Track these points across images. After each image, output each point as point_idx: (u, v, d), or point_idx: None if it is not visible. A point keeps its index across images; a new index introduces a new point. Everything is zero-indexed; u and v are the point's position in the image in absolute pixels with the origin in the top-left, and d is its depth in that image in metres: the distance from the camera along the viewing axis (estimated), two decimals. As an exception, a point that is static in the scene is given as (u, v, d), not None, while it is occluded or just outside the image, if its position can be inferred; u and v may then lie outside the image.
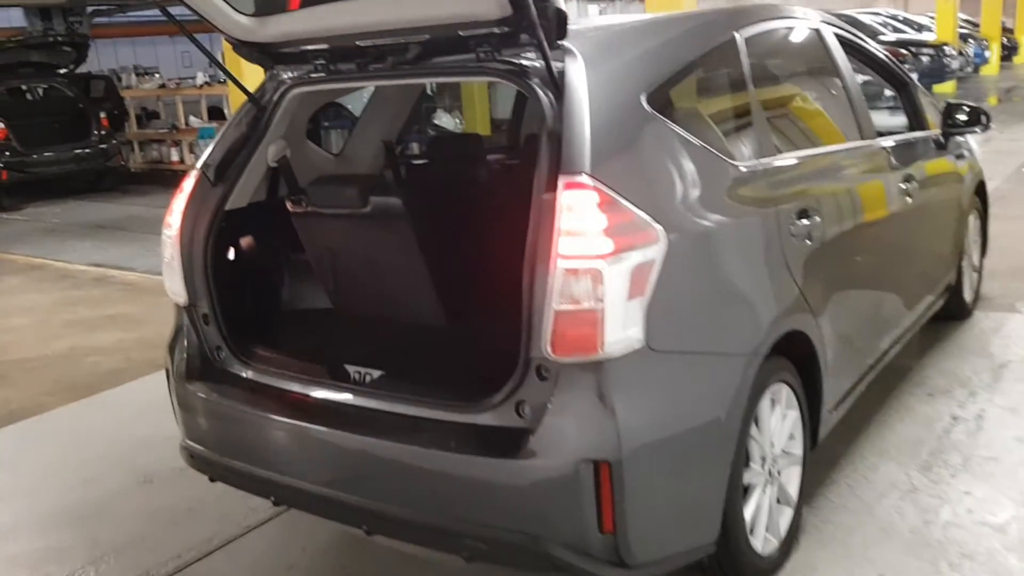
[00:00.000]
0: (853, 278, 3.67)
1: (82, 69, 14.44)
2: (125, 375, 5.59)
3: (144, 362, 5.78)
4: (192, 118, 14.93)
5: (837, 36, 4.06)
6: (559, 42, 2.60)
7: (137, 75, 17.56)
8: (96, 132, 13.33)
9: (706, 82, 3.10)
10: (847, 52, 4.07)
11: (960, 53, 21.04)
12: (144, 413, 4.83)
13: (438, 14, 2.71)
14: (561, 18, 2.53)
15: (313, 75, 3.20)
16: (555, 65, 2.59)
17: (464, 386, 2.73)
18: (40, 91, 14.26)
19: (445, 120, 13.41)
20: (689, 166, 2.75)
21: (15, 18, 18.20)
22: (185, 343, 3.28)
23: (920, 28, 22.86)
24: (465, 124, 13.72)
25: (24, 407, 5.15)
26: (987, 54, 25.16)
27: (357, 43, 2.99)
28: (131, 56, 23.57)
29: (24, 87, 14.16)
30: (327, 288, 3.55)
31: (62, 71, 13.85)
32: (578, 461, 2.40)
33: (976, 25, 26.26)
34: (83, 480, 4.17)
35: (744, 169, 3.00)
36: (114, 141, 13.66)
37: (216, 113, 15.23)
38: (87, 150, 13.22)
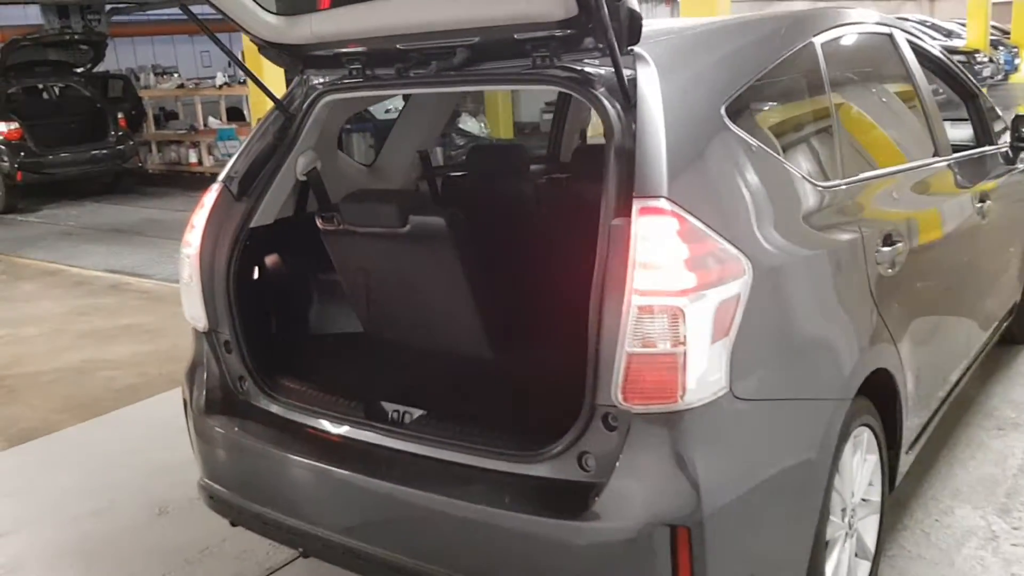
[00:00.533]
0: (929, 306, 3.37)
1: (100, 68, 14.25)
2: (140, 392, 5.33)
3: (160, 377, 5.52)
4: (211, 119, 14.75)
5: (909, 43, 3.74)
6: (629, 47, 2.31)
7: (156, 75, 17.37)
8: (114, 133, 13.12)
9: (785, 93, 2.80)
10: (918, 60, 3.76)
11: (991, 60, 20.61)
12: (160, 434, 4.56)
13: (492, 14, 2.42)
14: (635, 21, 2.24)
15: (347, 81, 2.92)
16: (625, 73, 2.29)
17: (517, 431, 2.44)
18: (57, 90, 14.09)
19: (471, 124, 13.13)
20: (772, 187, 2.46)
21: (32, 15, 18.04)
22: (205, 372, 3.01)
23: (949, 34, 22.44)
24: (490, 129, 13.45)
25: (34, 426, 4.89)
26: (1017, 61, 24.66)
27: (397, 46, 2.70)
28: (150, 55, 23.37)
29: (40, 86, 13.97)
30: (360, 313, 3.26)
31: (79, 70, 13.64)
32: (652, 524, 2.11)
33: (1006, 32, 25.76)
34: (94, 511, 3.90)
35: (828, 190, 2.70)
36: (132, 142, 13.46)
37: (235, 114, 15.06)
38: (104, 151, 13.01)
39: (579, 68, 2.44)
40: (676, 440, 2.11)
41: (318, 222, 3.12)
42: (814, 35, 2.94)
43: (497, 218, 3.20)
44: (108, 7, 17.31)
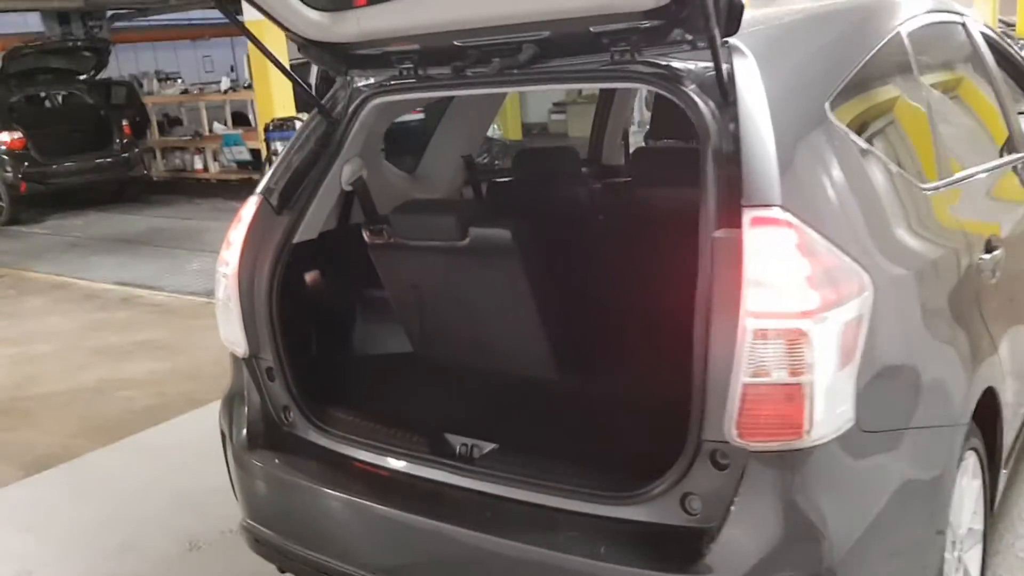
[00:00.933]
0: (1019, 314, 3.12)
1: (102, 75, 13.99)
2: (160, 413, 5.07)
3: (180, 397, 5.28)
4: (216, 124, 14.49)
5: (982, 34, 3.50)
6: (724, 39, 2.06)
7: (159, 80, 17.14)
8: (118, 140, 12.85)
9: (880, 87, 2.55)
10: (990, 50, 3.51)
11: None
12: (184, 460, 4.33)
13: (569, 6, 2.17)
14: (734, 8, 1.99)
15: (396, 82, 2.67)
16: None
17: (606, 468, 2.19)
18: (59, 98, 13.82)
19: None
20: (882, 192, 2.22)
21: (32, 23, 17.80)
22: (245, 403, 2.76)
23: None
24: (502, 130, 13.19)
25: (51, 452, 4.64)
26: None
27: (455, 42, 2.45)
28: (152, 61, 23.16)
29: (43, 94, 13.70)
30: (411, 333, 3.02)
31: (82, 77, 13.38)
32: None
33: (1011, 24, 25.42)
34: (120, 546, 3.65)
35: (930, 193, 2.45)
36: (137, 149, 13.20)
37: (240, 119, 14.78)
38: (109, 159, 12.74)
39: (665, 63, 2.20)
40: (801, 481, 1.87)
41: (365, 235, 2.88)
42: (900, 24, 2.70)
43: (556, 228, 2.95)
44: (109, 13, 17.06)
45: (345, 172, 2.82)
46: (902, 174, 2.34)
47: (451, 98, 3.61)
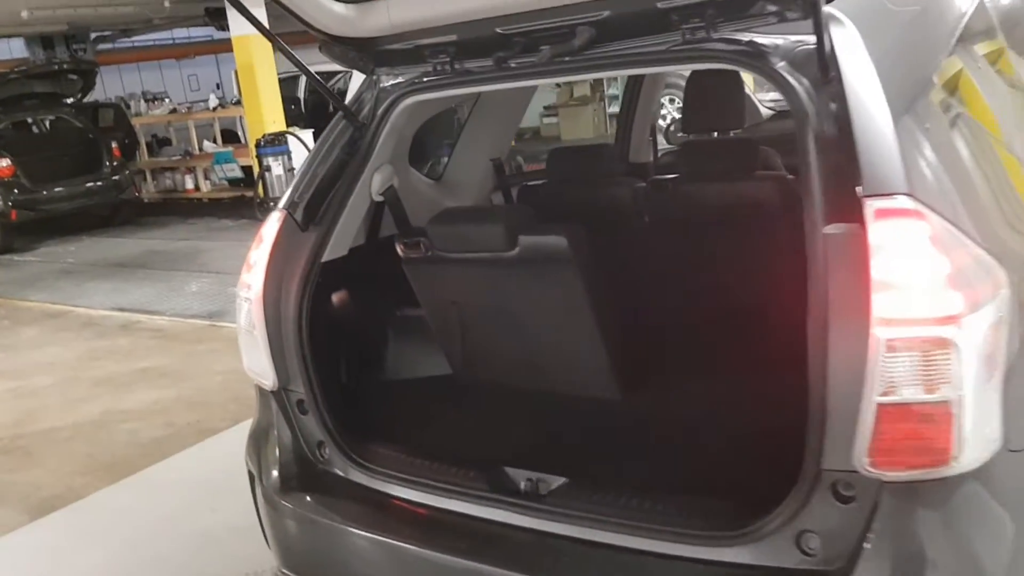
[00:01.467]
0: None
1: (88, 98, 13.71)
2: (168, 445, 4.79)
3: (187, 428, 5.00)
4: (206, 143, 14.21)
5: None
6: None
7: (146, 101, 16.82)
8: (108, 163, 12.53)
9: (975, 56, 2.29)
10: None
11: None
12: (198, 495, 4.05)
13: None
14: (833, -29, 1.74)
15: (431, 78, 2.41)
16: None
17: (698, 502, 1.93)
18: (47, 123, 13.48)
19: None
20: (997, 173, 1.96)
21: (16, 49, 17.51)
22: (275, 440, 2.49)
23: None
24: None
25: (56, 493, 4.35)
26: None
27: (497, 30, 2.19)
28: (138, 82, 22.85)
29: (30, 120, 13.39)
30: (451, 353, 2.75)
31: (69, 101, 13.08)
32: None
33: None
34: (138, 595, 3.37)
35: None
36: (127, 172, 12.88)
37: (230, 136, 14.50)
38: (100, 183, 12.41)
39: (747, 39, 1.94)
40: (948, 516, 1.61)
41: (399, 249, 2.61)
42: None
43: (605, 232, 2.69)
44: (93, 35, 16.76)
45: (375, 181, 2.56)
46: (1010, 153, 2.09)
47: (475, 99, 3.35)
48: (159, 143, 15.65)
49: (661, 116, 8.80)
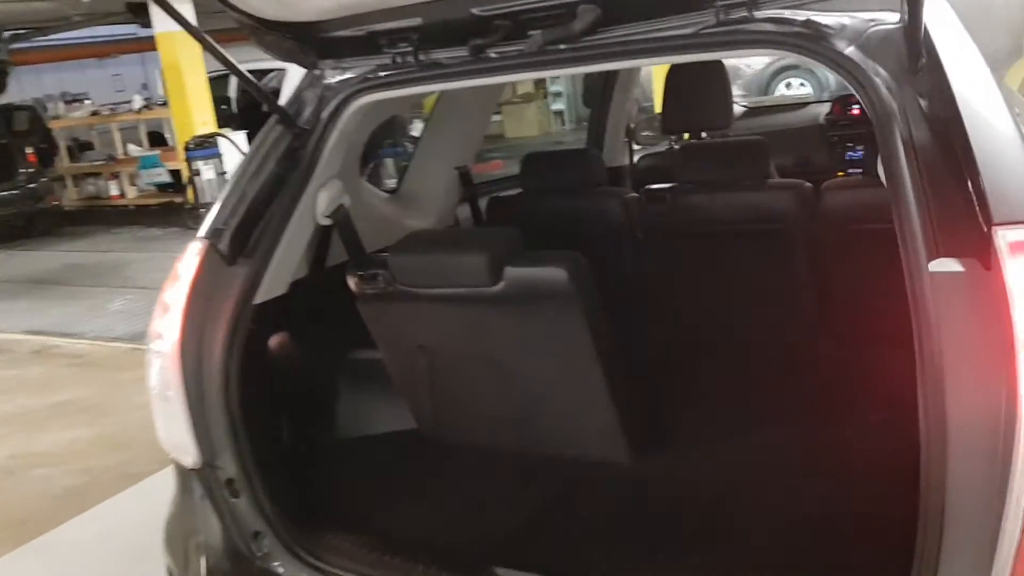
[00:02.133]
0: None
1: (1, 101, 12.85)
2: (86, 496, 4.20)
3: (108, 473, 4.42)
4: (131, 146, 13.51)
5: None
6: None
7: (65, 103, 15.94)
8: (23, 170, 11.79)
9: None
10: None
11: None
12: (120, 560, 3.49)
13: None
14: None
15: (387, 73, 1.92)
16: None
17: None
18: (-46, 128, 12.61)
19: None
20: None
21: (-78, 49, 16.42)
22: (199, 532, 1.97)
23: None
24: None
25: (-52, 563, 3.74)
26: None
27: (473, 11, 1.72)
28: (57, 83, 21.77)
29: (-64, 125, 12.50)
30: (418, 408, 2.26)
31: (-22, 104, 12.25)
32: None
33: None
34: None
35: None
36: (44, 179, 12.16)
37: (157, 139, 13.77)
38: (14, 191, 11.65)
39: (804, 18, 1.49)
40: None
41: (352, 283, 2.11)
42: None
43: (598, 253, 2.20)
44: (7, 34, 15.80)
45: (321, 200, 2.07)
46: None
47: (436, 100, 2.86)
48: (80, 147, 14.80)
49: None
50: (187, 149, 9.28)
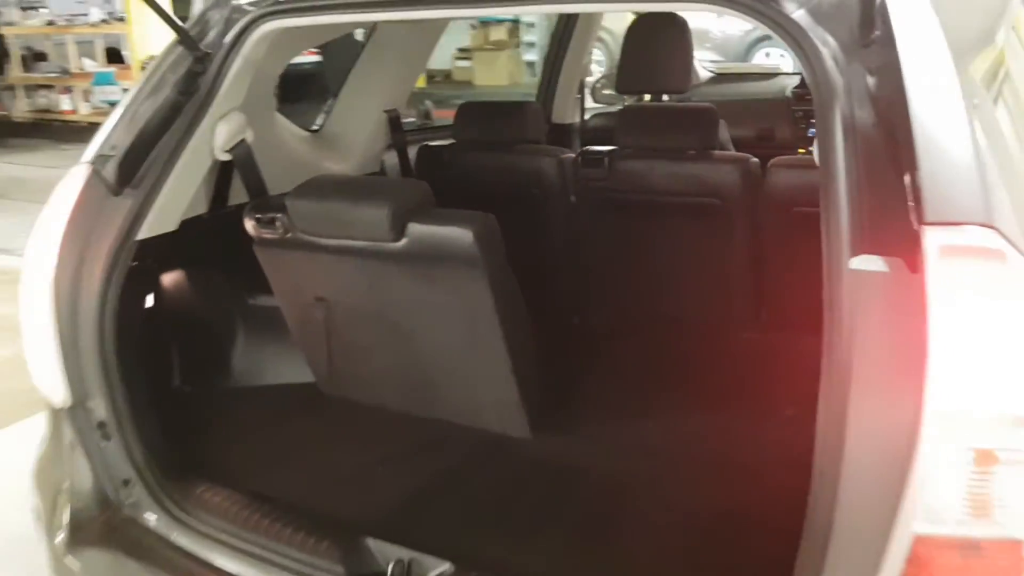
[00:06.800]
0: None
1: (-48, 2, 12.37)
2: (-6, 418, 4.05)
3: (22, 395, 4.22)
4: (86, 60, 13.04)
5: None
6: None
7: (21, 9, 15.36)
8: (-30, 76, 11.33)
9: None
10: None
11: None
12: (18, 489, 3.35)
13: None
14: None
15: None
16: None
17: None
18: (-99, 27, 12.13)
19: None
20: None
21: None
22: (67, 475, 1.85)
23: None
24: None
25: None
26: None
27: None
28: (14, -12, 20.98)
29: None
30: (314, 363, 2.14)
31: (-73, 3, 11.74)
32: None
33: None
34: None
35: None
36: (-7, 87, 11.69)
37: (114, 56, 13.33)
38: (-41, 97, 11.22)
39: None
40: None
41: (249, 226, 1.97)
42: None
43: (513, 214, 2.07)
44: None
45: (220, 133, 1.93)
46: None
47: (370, 32, 2.69)
48: (35, 57, 14.30)
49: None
50: (143, 69, 9.03)
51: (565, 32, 3.55)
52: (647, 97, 3.36)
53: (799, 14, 1.33)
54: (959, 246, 1.07)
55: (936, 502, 1.05)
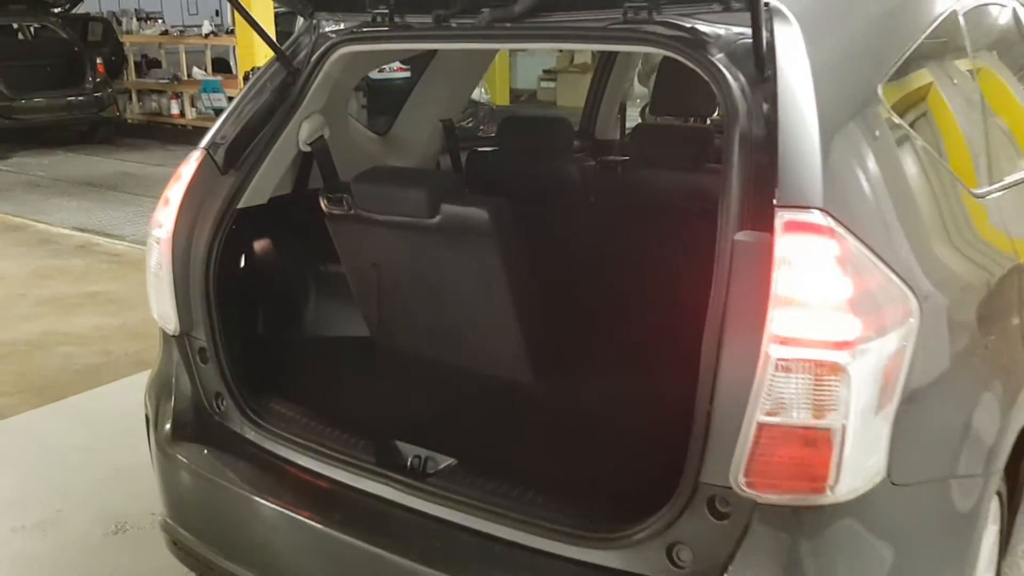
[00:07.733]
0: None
1: (79, 10, 13.42)
2: (102, 374, 4.70)
3: (125, 358, 4.91)
4: (196, 69, 13.93)
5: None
6: None
7: (139, 19, 16.44)
8: (91, 79, 12.26)
9: (935, 72, 2.20)
10: None
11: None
12: (121, 430, 3.95)
13: None
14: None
15: (369, 29, 2.30)
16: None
17: (581, 501, 1.87)
18: (32, 31, 13.19)
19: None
20: (935, 197, 1.89)
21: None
22: (173, 387, 2.40)
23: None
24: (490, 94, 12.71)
25: (-23, 411, 4.26)
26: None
27: None
28: (133, -1, 22.39)
29: (14, 26, 13.08)
30: (369, 317, 2.67)
31: (57, 11, 12.79)
32: None
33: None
34: (40, 522, 3.30)
35: (982, 199, 2.12)
36: (110, 90, 12.63)
37: (221, 66, 14.25)
38: (80, 98, 12.16)
39: (689, 25, 1.84)
40: (816, 545, 1.55)
41: (323, 204, 2.51)
42: (956, 1, 2.35)
43: (541, 208, 2.60)
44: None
45: (303, 130, 2.46)
46: (952, 175, 2.01)
47: (434, 54, 3.23)
48: (148, 64, 15.33)
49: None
50: (247, 79, 9.67)
51: (608, 61, 4.05)
52: None
53: (719, 57, 1.77)
54: (796, 222, 1.53)
55: (768, 398, 1.51)
